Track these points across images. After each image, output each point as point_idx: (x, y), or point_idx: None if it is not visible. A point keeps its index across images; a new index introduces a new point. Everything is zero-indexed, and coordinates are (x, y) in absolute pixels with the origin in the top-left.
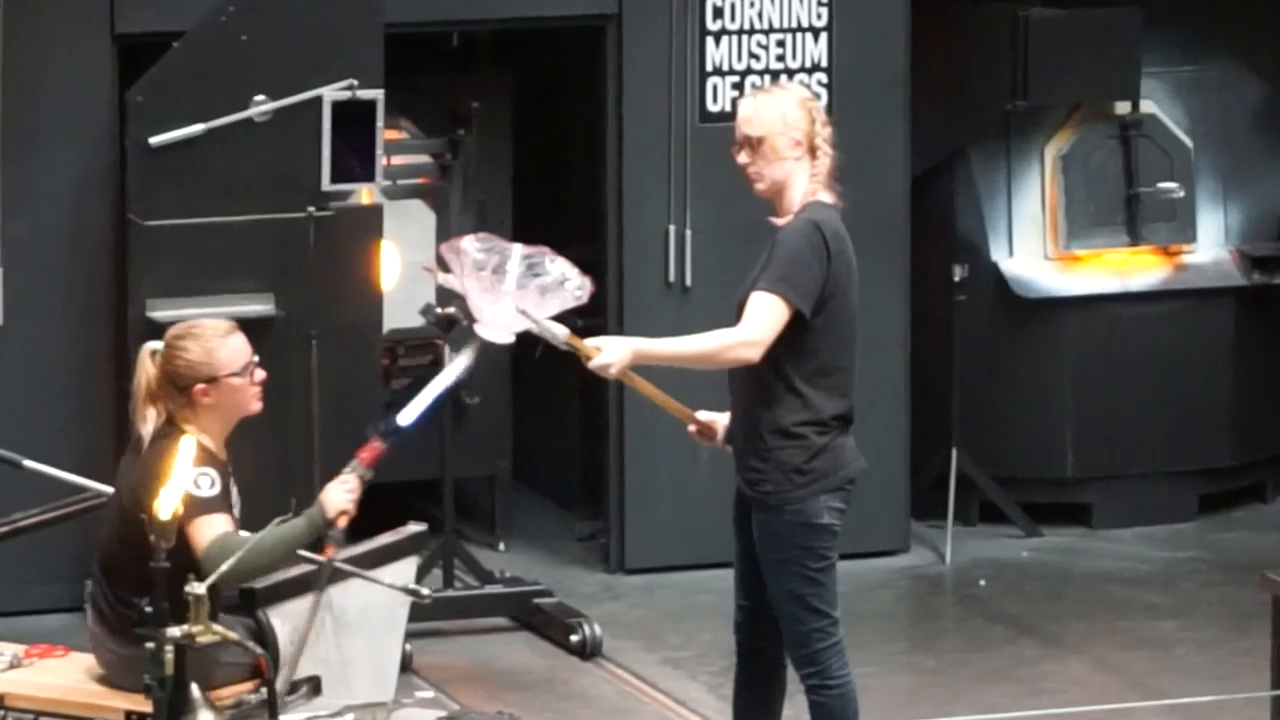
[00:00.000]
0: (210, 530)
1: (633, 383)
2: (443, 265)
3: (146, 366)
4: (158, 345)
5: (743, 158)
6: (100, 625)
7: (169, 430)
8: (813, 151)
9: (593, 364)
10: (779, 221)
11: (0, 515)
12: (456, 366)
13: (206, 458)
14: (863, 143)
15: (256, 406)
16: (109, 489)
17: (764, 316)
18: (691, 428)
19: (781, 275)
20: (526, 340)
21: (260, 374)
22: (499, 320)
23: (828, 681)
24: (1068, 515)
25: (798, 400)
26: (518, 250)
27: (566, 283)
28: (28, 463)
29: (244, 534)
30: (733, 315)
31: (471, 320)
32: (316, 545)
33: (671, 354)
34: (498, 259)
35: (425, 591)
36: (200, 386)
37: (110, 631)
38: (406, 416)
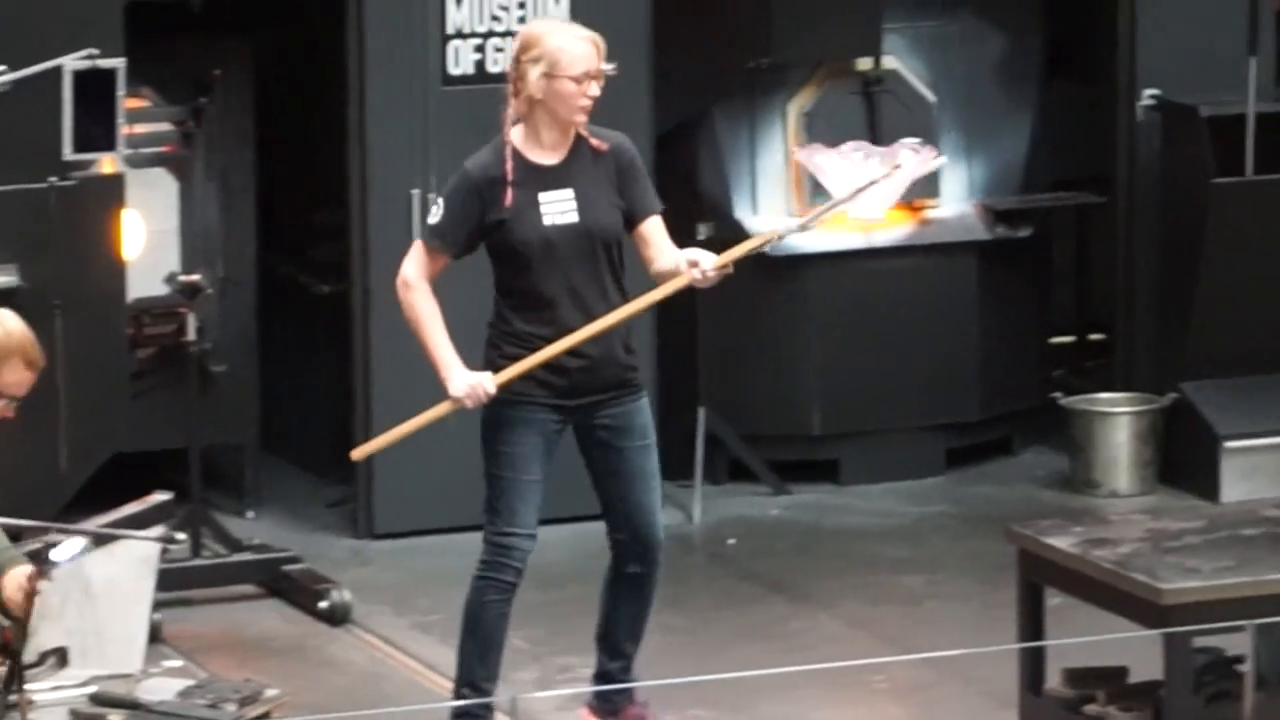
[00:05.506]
0: None
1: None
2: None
3: None
4: None
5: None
6: None
7: None
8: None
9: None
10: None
11: None
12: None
13: None
14: (607, 100)
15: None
16: None
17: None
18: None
19: None
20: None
21: (9, 413)
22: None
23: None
24: (816, 472)
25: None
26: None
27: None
28: None
29: None
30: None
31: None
32: None
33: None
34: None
35: (180, 536)
36: None
37: None
38: (62, 554)
